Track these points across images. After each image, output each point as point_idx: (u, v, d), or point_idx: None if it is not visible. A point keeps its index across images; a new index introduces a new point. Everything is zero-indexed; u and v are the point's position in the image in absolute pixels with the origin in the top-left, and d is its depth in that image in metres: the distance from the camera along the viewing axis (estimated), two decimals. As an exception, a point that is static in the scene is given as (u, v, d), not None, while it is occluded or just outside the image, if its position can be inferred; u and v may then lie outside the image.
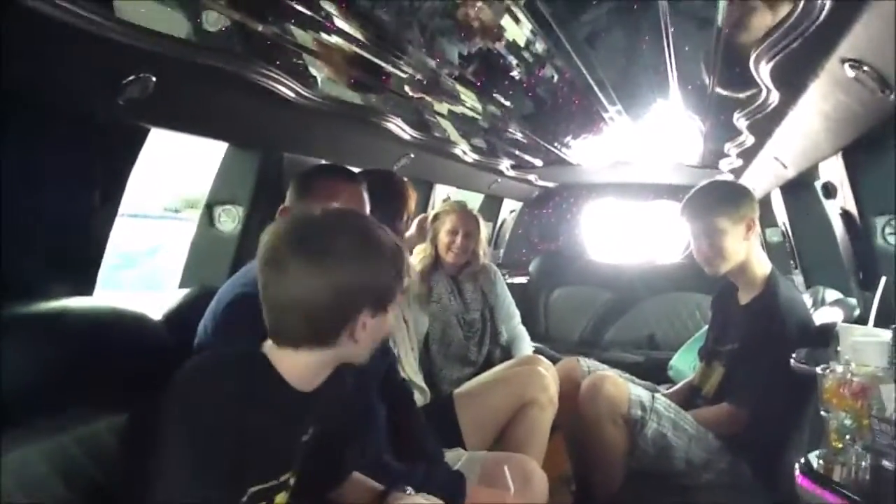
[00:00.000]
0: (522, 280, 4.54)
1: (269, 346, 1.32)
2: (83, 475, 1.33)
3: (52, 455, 1.30)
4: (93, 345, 1.52)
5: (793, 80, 1.64)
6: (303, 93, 1.78)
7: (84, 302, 1.63)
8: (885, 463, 1.36)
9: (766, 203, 3.62)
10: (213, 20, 1.49)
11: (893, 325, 1.51)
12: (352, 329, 1.29)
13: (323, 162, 2.29)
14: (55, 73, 1.29)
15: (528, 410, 2.47)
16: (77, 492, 1.31)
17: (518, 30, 1.80)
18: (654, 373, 3.30)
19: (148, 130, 1.72)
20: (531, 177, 4.20)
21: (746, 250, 2.42)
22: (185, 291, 2.02)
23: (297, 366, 1.31)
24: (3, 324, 1.37)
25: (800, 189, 3.06)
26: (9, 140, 1.42)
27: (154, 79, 1.38)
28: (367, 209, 1.90)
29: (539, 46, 1.95)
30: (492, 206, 4.63)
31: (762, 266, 2.47)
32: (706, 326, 3.02)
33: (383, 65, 1.93)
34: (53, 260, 1.62)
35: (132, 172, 1.77)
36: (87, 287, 1.72)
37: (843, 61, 1.35)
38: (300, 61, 1.80)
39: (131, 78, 1.36)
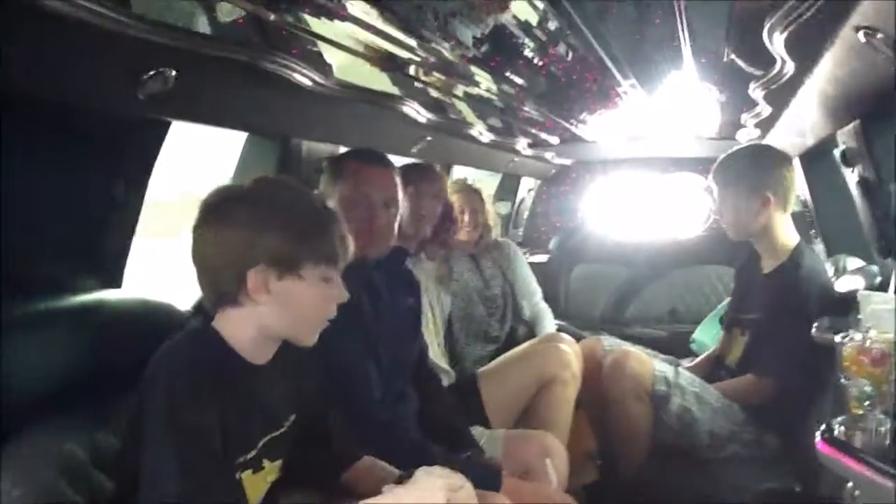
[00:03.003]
0: (542, 258, 4.54)
1: (217, 320, 1.37)
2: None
3: (90, 444, 1.35)
4: (123, 336, 1.56)
5: (807, 50, 1.63)
6: (319, 80, 1.80)
7: (113, 294, 1.67)
8: (906, 427, 1.37)
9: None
10: (228, 11, 1.51)
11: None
12: (253, 285, 1.32)
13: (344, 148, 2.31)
14: (76, 71, 1.32)
15: (551, 387, 2.50)
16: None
17: (530, 8, 1.81)
18: (677, 347, 3.30)
19: (169, 124, 1.74)
20: (548, 155, 4.18)
21: (764, 222, 2.42)
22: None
23: (240, 336, 1.35)
24: (35, 318, 1.41)
25: (818, 158, 3.03)
26: (34, 139, 1.45)
27: (174, 73, 1.40)
28: (400, 194, 1.92)
29: (551, 24, 1.95)
30: (510, 186, 4.62)
31: (787, 237, 2.47)
32: (728, 299, 3.02)
33: (397, 50, 1.94)
34: (81, 255, 1.66)
35: (155, 165, 1.80)
36: (115, 280, 1.76)
37: (857, 29, 1.34)
38: (315, 49, 1.82)
39: (151, 73, 1.38)
